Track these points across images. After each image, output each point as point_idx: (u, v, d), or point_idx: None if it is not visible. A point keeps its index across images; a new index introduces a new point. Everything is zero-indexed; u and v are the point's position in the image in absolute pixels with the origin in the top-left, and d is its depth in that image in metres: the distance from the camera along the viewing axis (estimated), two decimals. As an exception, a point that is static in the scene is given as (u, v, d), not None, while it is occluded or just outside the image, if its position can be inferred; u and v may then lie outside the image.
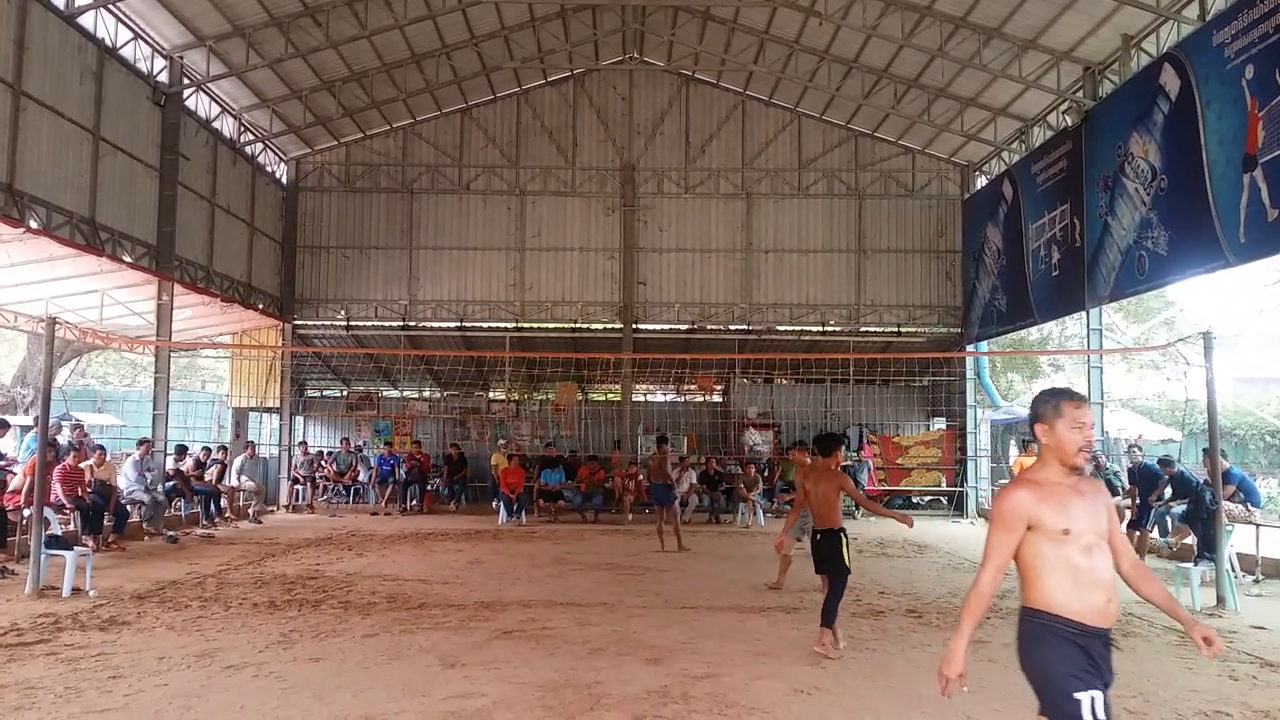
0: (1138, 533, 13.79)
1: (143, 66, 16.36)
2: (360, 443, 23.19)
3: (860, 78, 20.62)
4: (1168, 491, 13.74)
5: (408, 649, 7.73)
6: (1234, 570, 11.41)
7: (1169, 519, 13.88)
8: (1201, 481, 12.28)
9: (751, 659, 7.53)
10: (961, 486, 22.35)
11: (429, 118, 23.18)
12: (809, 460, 9.39)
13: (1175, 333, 30.17)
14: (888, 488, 22.69)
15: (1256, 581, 11.92)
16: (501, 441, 21.93)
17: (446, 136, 23.38)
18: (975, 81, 19.23)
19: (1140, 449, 15.26)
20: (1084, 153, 16.78)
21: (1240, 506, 12.42)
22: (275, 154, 22.42)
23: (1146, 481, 14.09)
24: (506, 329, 23.24)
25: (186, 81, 17.37)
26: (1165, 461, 14.18)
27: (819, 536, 8.24)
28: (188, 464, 17.30)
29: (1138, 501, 14.12)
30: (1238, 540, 12.05)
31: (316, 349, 23.50)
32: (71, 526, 13.03)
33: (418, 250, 23.17)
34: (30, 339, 24.50)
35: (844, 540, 8.10)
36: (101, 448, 14.87)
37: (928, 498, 22.97)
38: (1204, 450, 12.46)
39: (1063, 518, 3.64)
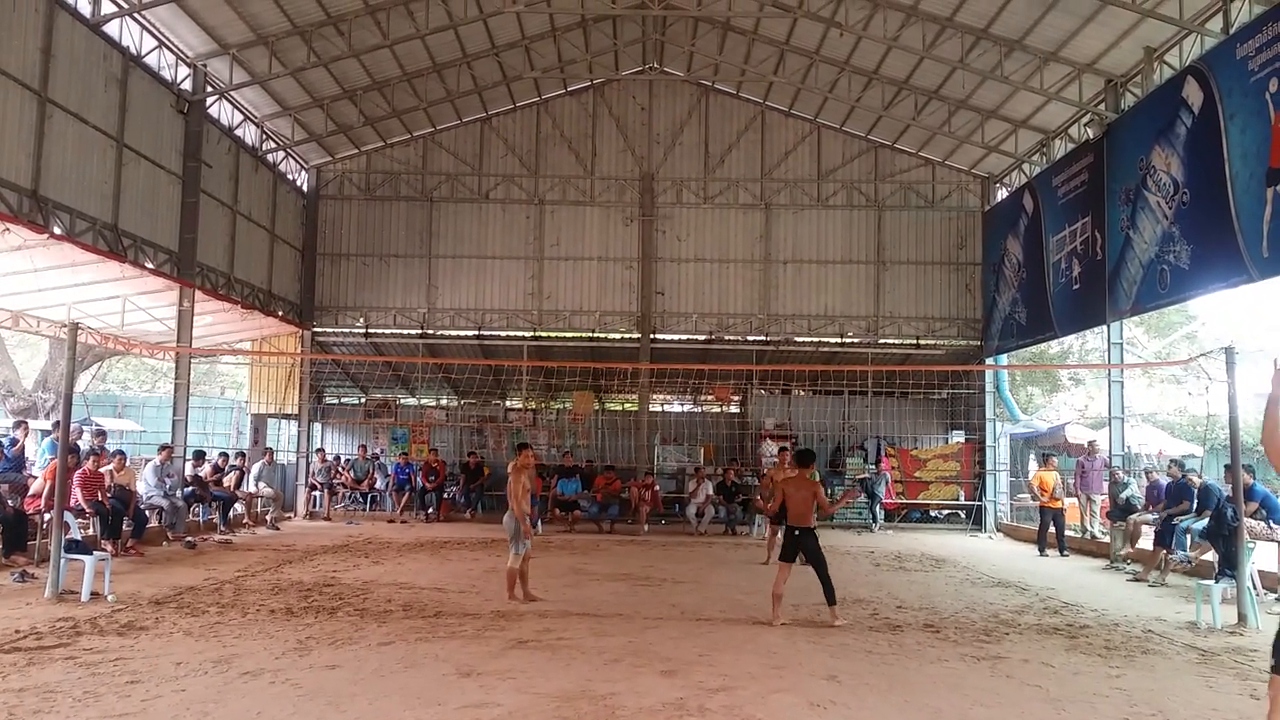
0: (1164, 550, 13.65)
1: (167, 74, 16.50)
2: (378, 450, 23.24)
3: (881, 89, 20.58)
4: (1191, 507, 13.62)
5: (423, 657, 7.73)
6: (1255, 588, 11.28)
7: (1188, 536, 13.74)
8: (1224, 497, 12.16)
9: (768, 672, 7.49)
10: (980, 500, 22.21)
11: (449, 127, 23.27)
12: (790, 471, 10.47)
13: (1197, 347, 29.92)
14: (905, 501, 22.59)
15: (1278, 599, 11.79)
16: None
17: (466, 145, 23.47)
18: (996, 93, 19.16)
19: (1181, 465, 15.09)
20: (1105, 166, 16.69)
21: (1262, 524, 12.29)
22: (297, 162, 22.56)
23: (1176, 499, 13.97)
24: (524, 338, 23.28)
25: (209, 89, 17.50)
26: (1178, 463, 13.97)
27: (797, 533, 9.68)
28: (206, 469, 17.39)
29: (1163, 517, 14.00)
30: (1259, 557, 11.93)
31: (335, 356, 23.59)
32: (91, 531, 13.11)
33: (437, 258, 23.24)
34: (52, 344, 24.72)
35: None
36: (121, 453, 14.96)
37: (946, 511, 22.83)
38: (1225, 466, 12.34)
39: None
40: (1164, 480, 14.80)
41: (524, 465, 10.90)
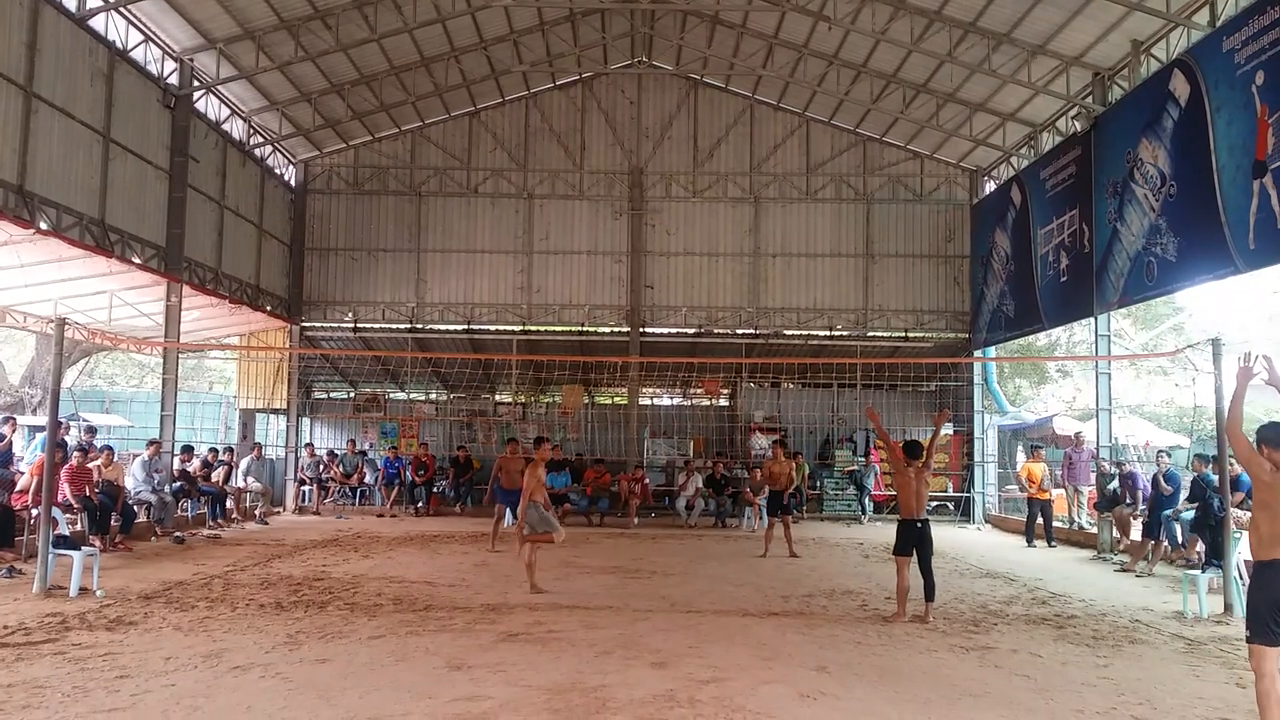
0: (1152, 541, 13.72)
1: (153, 69, 16.41)
2: (367, 445, 23.21)
3: (869, 82, 20.60)
4: (1181, 497, 13.68)
5: (414, 651, 7.73)
6: (1242, 577, 11.32)
7: (1179, 526, 13.80)
8: (1211, 488, 12.23)
9: (758, 663, 7.52)
10: (969, 492, 22.30)
11: (437, 121, 23.22)
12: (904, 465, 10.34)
13: (1184, 339, 30.11)
14: (894, 493, 22.59)
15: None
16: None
17: (455, 140, 23.41)
18: (984, 86, 19.20)
19: (1168, 455, 15.17)
20: (1093, 158, 16.74)
21: (1248, 513, 12.33)
22: (284, 156, 22.47)
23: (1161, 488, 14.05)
24: (514, 332, 23.26)
25: (196, 84, 17.41)
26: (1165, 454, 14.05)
27: (920, 525, 9.77)
28: (194, 464, 17.34)
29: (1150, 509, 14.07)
30: (1245, 547, 11.97)
31: (324, 351, 23.53)
32: (79, 526, 13.07)
33: (425, 253, 23.20)
34: (39, 339, 24.63)
35: None
36: (109, 448, 14.91)
37: (934, 503, 22.88)
38: (1212, 457, 12.40)
39: None
40: (1138, 470, 14.87)
41: (542, 459, 11.45)
